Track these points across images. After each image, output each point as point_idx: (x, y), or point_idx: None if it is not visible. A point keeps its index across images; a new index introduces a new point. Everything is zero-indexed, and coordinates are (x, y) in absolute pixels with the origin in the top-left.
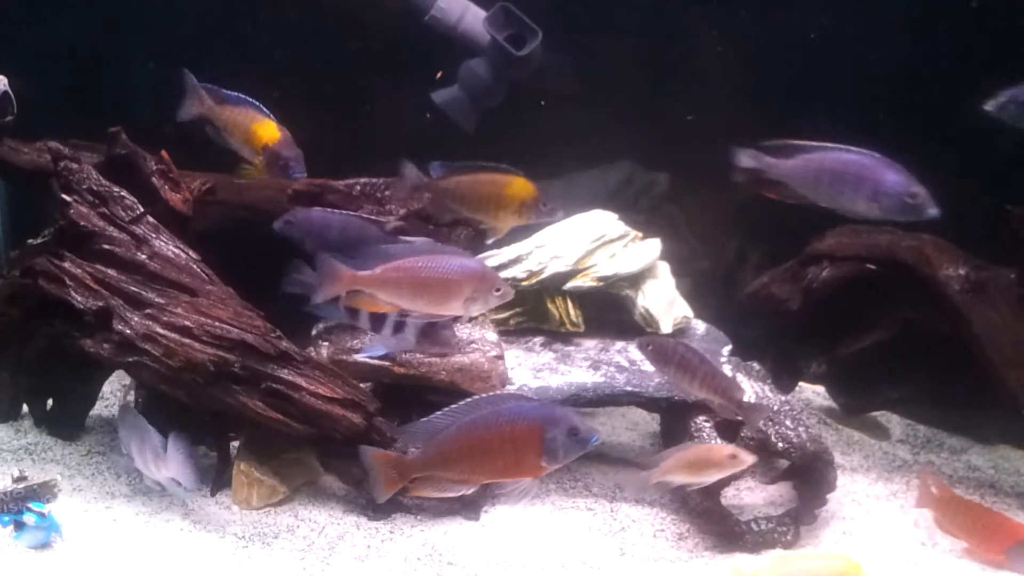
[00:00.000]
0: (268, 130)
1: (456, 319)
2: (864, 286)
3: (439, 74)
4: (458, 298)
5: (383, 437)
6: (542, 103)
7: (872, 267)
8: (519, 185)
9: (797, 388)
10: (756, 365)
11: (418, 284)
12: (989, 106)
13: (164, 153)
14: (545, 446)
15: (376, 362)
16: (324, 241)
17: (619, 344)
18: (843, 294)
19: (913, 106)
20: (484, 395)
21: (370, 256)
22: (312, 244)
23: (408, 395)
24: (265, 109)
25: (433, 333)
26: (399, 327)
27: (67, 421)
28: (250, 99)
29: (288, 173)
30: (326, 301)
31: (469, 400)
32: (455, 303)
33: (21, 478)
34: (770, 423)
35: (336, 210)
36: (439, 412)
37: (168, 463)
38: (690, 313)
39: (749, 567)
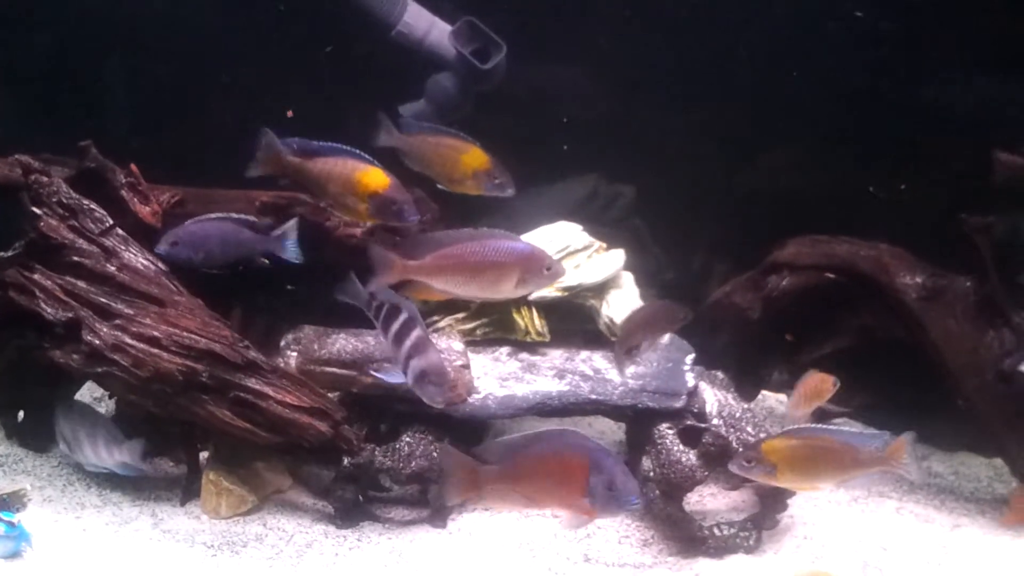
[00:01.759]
0: (376, 178)
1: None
2: (823, 295)
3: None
4: (510, 281)
5: (349, 446)
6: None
7: (831, 276)
8: (475, 154)
9: (760, 396)
10: (720, 374)
11: (470, 269)
12: None
13: (133, 166)
14: (588, 489)
15: (344, 372)
16: (210, 253)
17: (584, 353)
18: (803, 303)
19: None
20: (563, 429)
21: (420, 244)
22: (201, 260)
23: (376, 404)
24: (366, 155)
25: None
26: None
27: (38, 432)
28: (346, 147)
29: (402, 218)
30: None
31: (550, 429)
32: (507, 286)
33: None
34: (733, 430)
35: (208, 215)
36: (519, 435)
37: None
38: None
39: None
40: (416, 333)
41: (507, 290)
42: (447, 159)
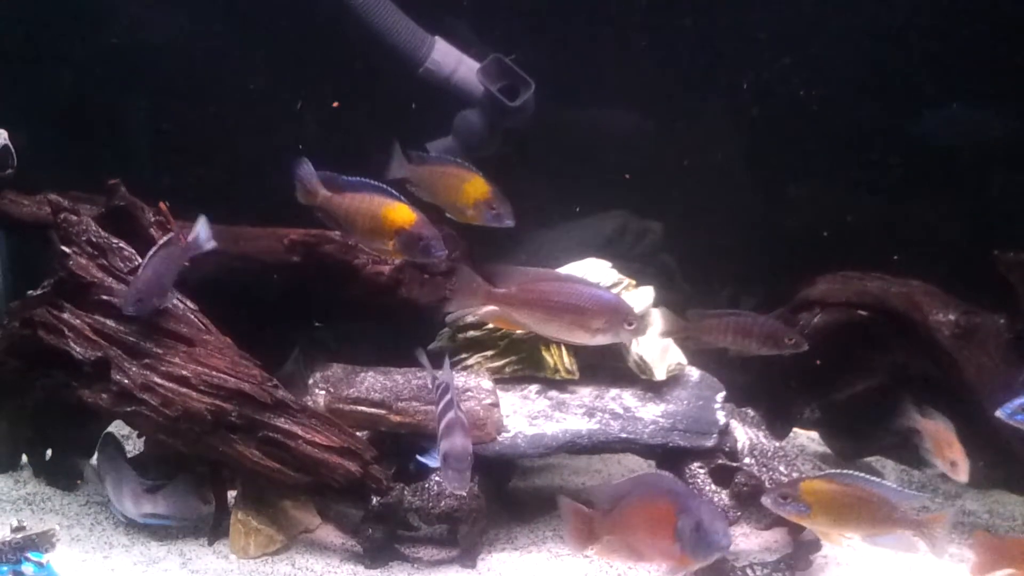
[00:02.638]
0: (402, 214)
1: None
2: (855, 332)
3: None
4: (588, 328)
5: (379, 485)
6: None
7: (863, 313)
8: (477, 183)
9: (792, 434)
10: (750, 411)
11: (552, 308)
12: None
13: (162, 204)
14: (676, 533)
15: (372, 410)
16: (164, 287)
17: (613, 391)
18: (835, 340)
19: None
20: (658, 473)
21: (508, 274)
22: (162, 299)
23: (404, 443)
24: (393, 191)
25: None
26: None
27: (65, 471)
28: (374, 183)
29: (429, 255)
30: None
31: (653, 472)
32: (585, 332)
33: (19, 528)
34: (764, 468)
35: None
36: (627, 478)
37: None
38: (684, 360)
39: None
40: (449, 416)
41: (583, 336)
42: (451, 188)
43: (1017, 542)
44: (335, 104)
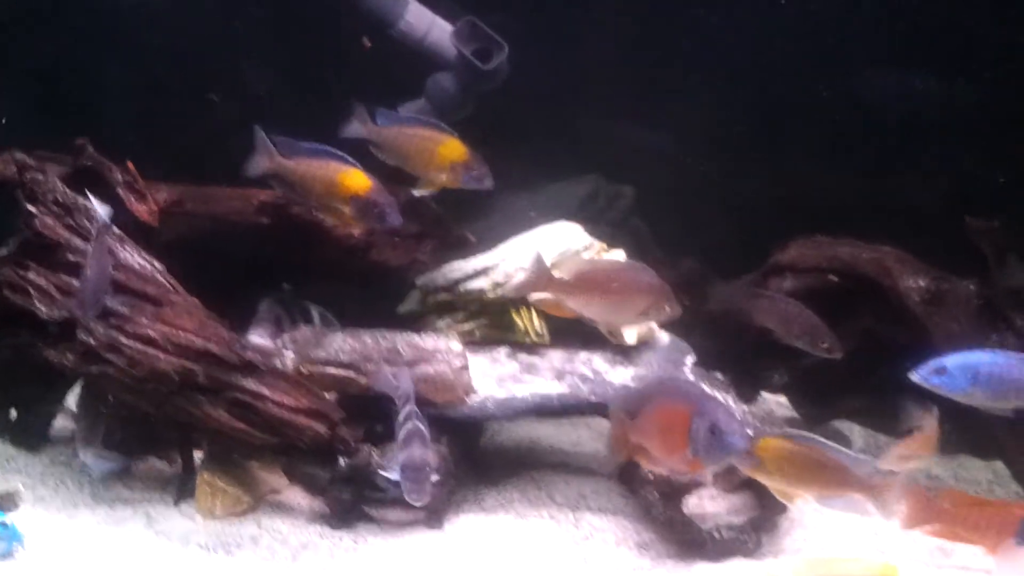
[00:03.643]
0: (357, 179)
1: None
2: (826, 297)
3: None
4: (634, 310)
5: (347, 447)
6: None
7: (834, 279)
8: (453, 145)
9: (760, 398)
10: (720, 375)
11: (601, 291)
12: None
13: (130, 164)
14: (690, 435)
15: (341, 372)
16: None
17: (583, 355)
18: (805, 305)
19: None
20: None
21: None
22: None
23: (373, 405)
24: (348, 157)
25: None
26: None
27: (30, 432)
28: (329, 148)
29: (384, 221)
30: None
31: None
32: (630, 314)
33: None
34: None
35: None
36: (649, 381)
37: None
38: (655, 324)
39: (782, 570)
40: (409, 426)
41: (628, 318)
42: (424, 151)
43: (948, 494)
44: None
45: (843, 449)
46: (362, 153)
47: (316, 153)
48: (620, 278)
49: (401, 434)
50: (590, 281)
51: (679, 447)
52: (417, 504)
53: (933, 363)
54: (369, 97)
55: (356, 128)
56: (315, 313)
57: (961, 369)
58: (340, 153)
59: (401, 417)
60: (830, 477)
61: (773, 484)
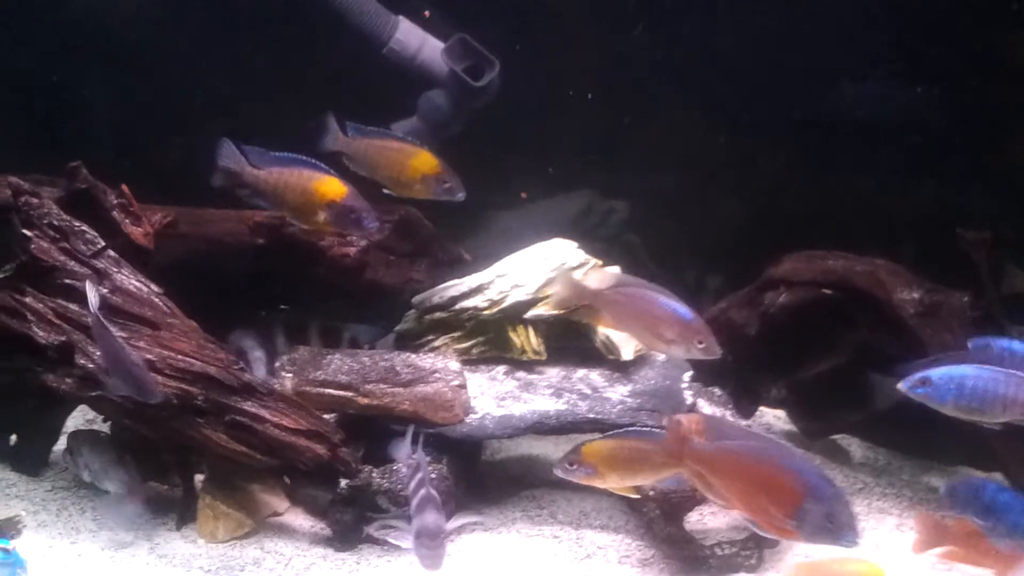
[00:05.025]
0: (333, 186)
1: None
2: (820, 311)
3: None
4: (661, 337)
5: (347, 468)
6: None
7: (828, 292)
8: (424, 157)
9: (758, 413)
10: (717, 390)
11: (633, 313)
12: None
13: (124, 187)
14: (798, 510)
15: (340, 393)
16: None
17: (581, 371)
18: (800, 319)
19: None
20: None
21: (607, 277)
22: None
23: (373, 425)
24: (321, 164)
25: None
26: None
27: (31, 457)
28: (301, 157)
29: (361, 225)
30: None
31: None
32: (658, 341)
33: None
34: None
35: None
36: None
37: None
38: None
39: None
40: (422, 493)
41: (657, 344)
42: (395, 163)
43: (960, 523)
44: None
45: (660, 432)
46: (333, 165)
47: (288, 162)
48: (649, 302)
49: (415, 501)
50: (623, 298)
51: (780, 515)
52: (431, 573)
53: (919, 374)
54: (361, 115)
55: (330, 141)
56: (280, 339)
57: (945, 381)
58: (313, 161)
59: (413, 484)
60: (656, 462)
61: (609, 485)
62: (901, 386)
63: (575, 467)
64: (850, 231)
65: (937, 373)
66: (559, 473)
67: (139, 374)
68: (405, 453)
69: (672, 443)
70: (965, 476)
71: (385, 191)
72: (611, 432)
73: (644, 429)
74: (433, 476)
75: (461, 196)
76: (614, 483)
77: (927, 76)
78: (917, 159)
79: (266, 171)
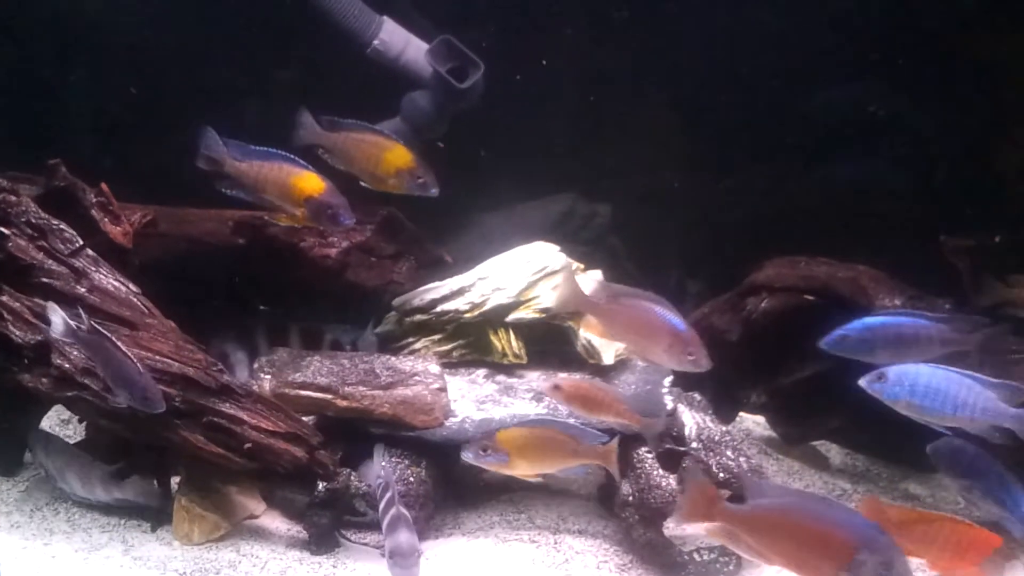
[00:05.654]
0: (310, 182)
1: None
2: (802, 317)
3: None
4: (655, 348)
5: (325, 471)
6: None
7: (810, 298)
8: (399, 152)
9: (738, 418)
10: (697, 395)
11: (629, 323)
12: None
13: (104, 185)
14: (852, 563)
15: (319, 395)
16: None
17: (562, 376)
18: (782, 325)
19: None
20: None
21: (605, 289)
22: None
23: (351, 428)
24: (300, 160)
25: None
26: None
27: (4, 457)
28: (280, 152)
29: (338, 221)
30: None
31: (804, 492)
32: (654, 351)
33: None
34: (711, 453)
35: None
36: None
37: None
38: None
39: None
40: (393, 512)
41: (654, 354)
42: (370, 156)
43: (900, 510)
44: None
45: (572, 423)
46: (309, 159)
47: (268, 156)
48: (644, 312)
49: (386, 520)
50: (620, 308)
51: (829, 571)
52: None
53: (878, 370)
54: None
55: (305, 135)
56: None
57: (899, 377)
58: (292, 156)
59: (383, 504)
60: (565, 451)
61: (518, 472)
62: (861, 382)
63: (488, 453)
64: (834, 236)
65: (893, 370)
66: (469, 457)
67: (144, 383)
68: (375, 473)
69: (699, 503)
70: (950, 438)
71: (362, 184)
72: (525, 421)
73: (558, 420)
74: (411, 480)
75: (435, 192)
76: (522, 471)
77: (911, 81)
78: (900, 165)
79: (247, 163)
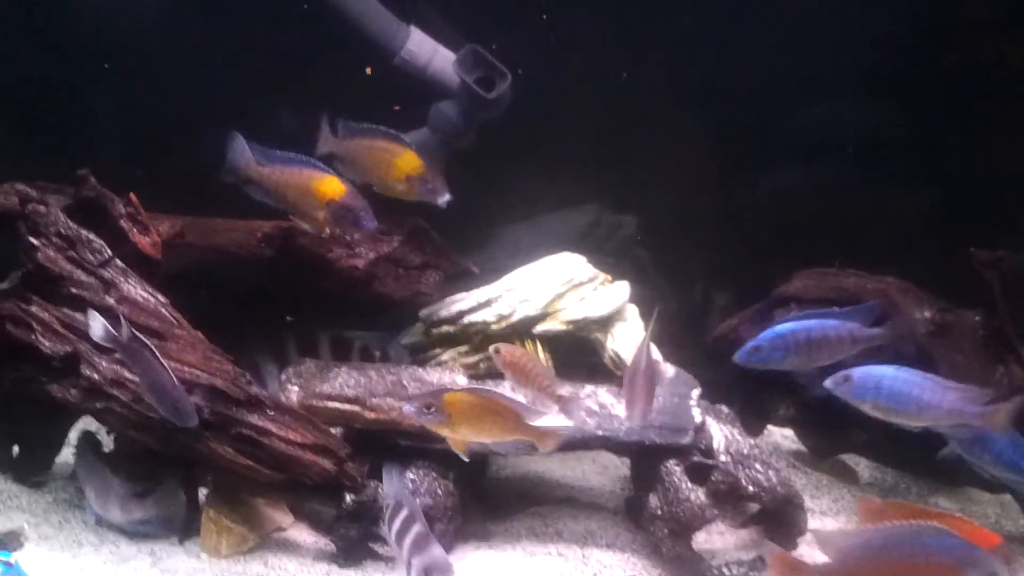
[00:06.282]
0: (332, 185)
1: None
2: None
3: None
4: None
5: (353, 483)
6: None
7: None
8: (409, 157)
9: (766, 431)
10: (725, 408)
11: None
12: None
13: (132, 196)
14: None
15: (346, 407)
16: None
17: (589, 388)
18: None
19: None
20: (903, 523)
21: None
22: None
23: (379, 440)
24: (321, 164)
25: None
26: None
27: (33, 468)
28: (302, 156)
29: (360, 224)
30: None
31: (887, 525)
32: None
33: None
34: (740, 466)
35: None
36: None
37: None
38: (659, 356)
39: None
40: (415, 529)
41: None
42: (381, 162)
43: (901, 508)
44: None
45: (518, 398)
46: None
47: (291, 161)
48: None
49: (409, 538)
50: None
51: None
52: None
53: (843, 372)
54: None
55: (321, 144)
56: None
57: (864, 379)
58: (314, 161)
59: (399, 522)
60: (507, 424)
61: (458, 434)
62: (827, 384)
63: (431, 411)
64: (863, 247)
65: (858, 372)
66: (409, 410)
67: (177, 397)
68: (388, 493)
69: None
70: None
71: (375, 189)
72: (473, 386)
73: (506, 394)
74: (439, 493)
75: (445, 198)
76: (463, 435)
77: (923, 88)
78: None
79: (270, 168)
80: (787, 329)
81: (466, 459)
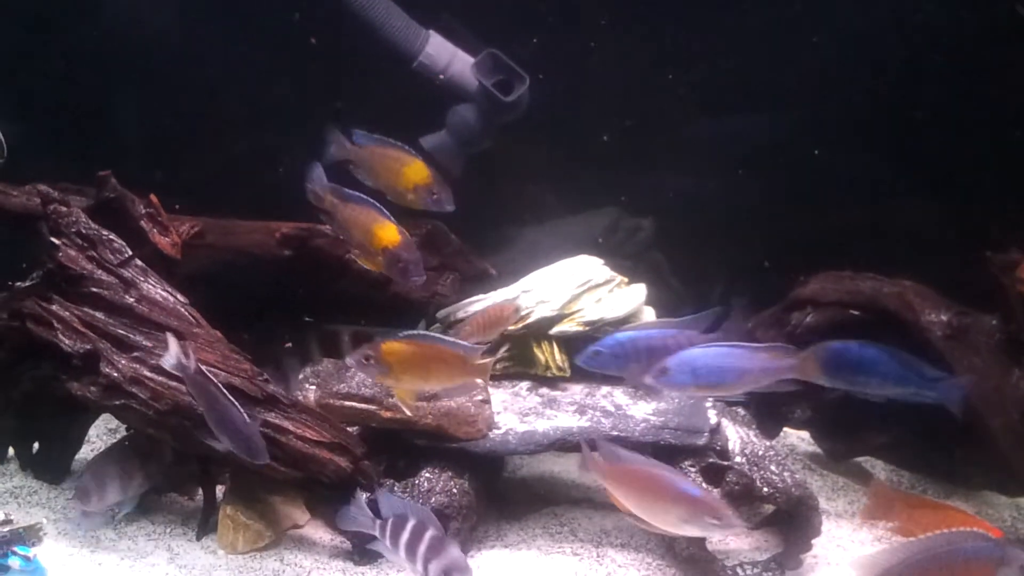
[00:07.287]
0: (389, 233)
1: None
2: (847, 332)
3: None
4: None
5: (369, 481)
6: None
7: (855, 313)
8: (417, 167)
9: (782, 434)
10: (741, 410)
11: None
12: None
13: (153, 197)
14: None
15: (363, 406)
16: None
17: (605, 389)
18: (827, 340)
19: None
20: (944, 532)
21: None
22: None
23: (395, 439)
24: (385, 210)
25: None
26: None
27: (53, 465)
28: (370, 200)
29: (407, 277)
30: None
31: (929, 536)
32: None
33: (6, 521)
34: (755, 468)
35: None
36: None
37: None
38: None
39: None
40: (428, 535)
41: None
42: (392, 171)
43: (908, 497)
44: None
45: (455, 340)
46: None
47: (358, 201)
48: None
49: (422, 547)
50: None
51: None
52: None
53: (658, 367)
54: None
55: (336, 151)
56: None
57: (679, 366)
58: (377, 204)
59: (408, 532)
60: (449, 368)
61: (400, 384)
62: (647, 380)
63: (371, 362)
64: (881, 250)
65: (672, 361)
66: (350, 362)
67: (249, 433)
68: (384, 510)
69: None
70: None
71: (388, 198)
72: (409, 333)
73: (444, 337)
74: (455, 492)
75: (450, 208)
76: (408, 385)
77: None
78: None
79: (342, 204)
80: (627, 337)
81: (408, 412)
